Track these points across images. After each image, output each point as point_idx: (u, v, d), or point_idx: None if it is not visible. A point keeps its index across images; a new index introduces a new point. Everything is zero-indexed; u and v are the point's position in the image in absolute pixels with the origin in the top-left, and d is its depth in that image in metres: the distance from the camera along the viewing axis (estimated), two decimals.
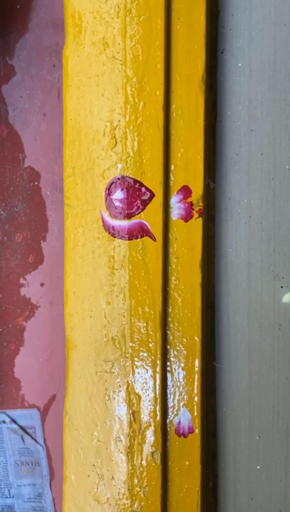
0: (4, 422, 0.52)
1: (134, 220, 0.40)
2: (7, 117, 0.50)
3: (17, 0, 0.48)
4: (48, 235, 0.49)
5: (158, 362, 0.40)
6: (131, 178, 0.40)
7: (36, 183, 0.49)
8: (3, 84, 0.50)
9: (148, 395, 0.40)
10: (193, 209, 0.40)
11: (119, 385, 0.41)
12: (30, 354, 0.51)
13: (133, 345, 0.40)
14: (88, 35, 0.40)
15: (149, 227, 0.40)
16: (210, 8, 0.40)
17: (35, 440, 0.51)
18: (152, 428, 0.40)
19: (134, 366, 0.40)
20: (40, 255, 0.50)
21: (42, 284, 0.50)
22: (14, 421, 0.51)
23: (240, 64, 0.42)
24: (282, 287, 0.42)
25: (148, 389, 0.40)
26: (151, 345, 0.40)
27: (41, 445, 0.51)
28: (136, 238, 0.40)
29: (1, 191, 0.50)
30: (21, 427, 0.51)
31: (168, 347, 0.40)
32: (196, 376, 0.40)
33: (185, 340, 0.40)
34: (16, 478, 0.52)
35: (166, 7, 0.38)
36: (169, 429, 0.40)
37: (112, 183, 0.40)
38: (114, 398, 0.41)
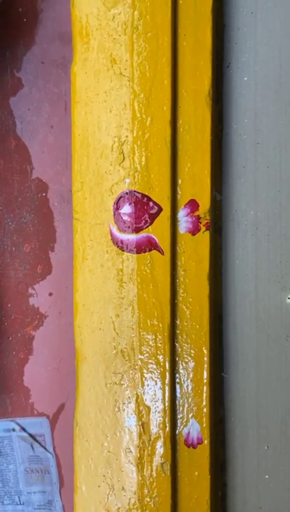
0: (14, 430, 0.52)
1: (143, 234, 0.40)
2: (15, 129, 0.50)
3: (23, 14, 0.49)
4: (56, 246, 0.50)
5: (167, 374, 0.40)
6: (139, 192, 0.40)
7: (44, 194, 0.50)
8: (11, 96, 0.51)
9: (157, 406, 0.40)
10: (200, 223, 0.40)
11: (129, 397, 0.41)
12: (39, 363, 0.51)
13: (142, 357, 0.41)
14: (96, 52, 0.40)
15: (157, 240, 0.40)
16: (216, 23, 0.41)
17: (45, 448, 0.52)
18: (161, 439, 0.40)
19: (143, 378, 0.41)
20: (49, 265, 0.51)
21: (50, 294, 0.51)
22: (23, 429, 0.52)
23: (245, 78, 0.42)
24: (289, 298, 0.42)
25: (157, 401, 0.40)
26: (159, 357, 0.40)
27: (50, 453, 0.51)
28: (145, 251, 0.40)
29: (9, 202, 0.50)
30: (30, 435, 0.52)
31: (177, 359, 0.41)
32: (205, 388, 0.40)
33: (193, 352, 0.40)
34: (26, 486, 0.52)
35: (172, 24, 0.39)
36: (178, 440, 0.41)
37: (121, 197, 0.40)
38: (124, 409, 0.41)
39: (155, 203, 0.40)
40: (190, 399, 0.41)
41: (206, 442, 0.40)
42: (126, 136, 0.40)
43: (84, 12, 0.41)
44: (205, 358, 0.40)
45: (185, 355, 0.41)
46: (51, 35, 0.49)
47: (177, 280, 0.40)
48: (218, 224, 0.43)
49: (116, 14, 0.40)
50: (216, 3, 0.40)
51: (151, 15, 0.39)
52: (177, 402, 0.41)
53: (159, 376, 0.40)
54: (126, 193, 0.40)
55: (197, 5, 0.39)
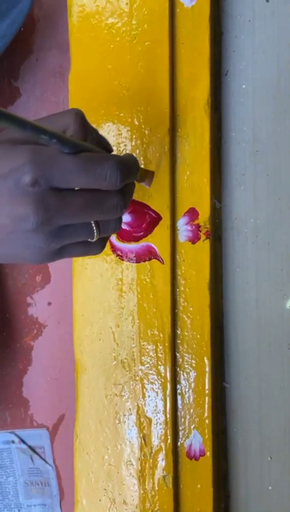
0: (13, 442, 0.52)
1: (142, 243, 0.40)
2: None
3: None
4: None
5: (168, 385, 0.40)
6: (138, 201, 0.40)
7: None
8: (9, 105, 0.51)
9: (159, 418, 0.40)
10: (200, 231, 0.40)
11: (130, 409, 0.41)
12: (38, 373, 0.51)
13: (143, 368, 0.40)
14: (94, 63, 0.40)
15: (157, 249, 0.40)
16: (214, 31, 0.41)
17: (44, 460, 0.51)
18: (163, 451, 0.40)
19: (144, 389, 0.40)
20: (47, 274, 0.50)
21: (49, 303, 0.50)
22: (23, 441, 0.51)
23: (244, 86, 0.42)
24: None
25: (158, 412, 0.40)
26: (160, 367, 0.40)
27: (50, 465, 0.51)
28: (144, 261, 0.40)
29: None
30: (30, 447, 0.51)
31: (178, 369, 0.40)
32: (207, 398, 0.40)
33: (194, 362, 0.40)
34: (26, 498, 0.52)
35: (170, 33, 0.39)
36: (180, 452, 0.40)
37: None
38: (125, 421, 0.41)
39: (154, 211, 0.40)
40: (191, 410, 0.40)
41: (208, 454, 0.40)
42: (125, 145, 0.40)
43: (81, 21, 0.41)
44: (207, 368, 0.40)
45: (186, 365, 0.40)
46: (48, 44, 0.49)
47: (177, 289, 0.40)
48: (218, 232, 0.43)
49: (114, 23, 0.40)
50: (214, 11, 0.40)
51: (148, 24, 0.39)
52: (179, 413, 0.40)
53: (160, 387, 0.40)
54: None
55: (194, 13, 0.39)
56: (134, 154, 0.38)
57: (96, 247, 0.31)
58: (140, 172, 0.35)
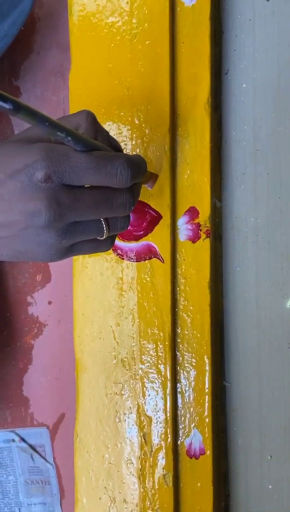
0: (13, 441, 0.52)
1: (143, 242, 0.40)
2: None
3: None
4: None
5: (168, 383, 0.40)
6: (139, 200, 0.40)
7: None
8: None
9: (159, 417, 0.40)
10: (201, 230, 0.40)
11: (130, 407, 0.41)
12: (38, 372, 0.51)
13: (143, 366, 0.40)
14: (94, 62, 0.40)
15: (157, 248, 0.40)
16: (214, 30, 0.41)
17: (45, 459, 0.51)
18: (163, 450, 0.40)
19: (144, 388, 0.40)
20: (48, 273, 0.50)
21: (50, 303, 0.50)
22: (23, 439, 0.51)
23: (244, 85, 0.42)
24: None
25: (158, 411, 0.40)
26: (160, 366, 0.40)
27: (50, 464, 0.51)
28: (145, 259, 0.40)
29: None
30: (30, 446, 0.51)
31: (178, 368, 0.40)
32: (207, 397, 0.40)
33: (194, 361, 0.40)
34: (27, 497, 0.52)
35: (170, 32, 0.39)
36: (180, 451, 0.40)
37: None
38: (125, 420, 0.41)
39: (154, 210, 0.40)
40: (191, 409, 0.40)
41: (208, 452, 0.40)
42: (126, 144, 0.40)
43: (81, 20, 0.41)
44: (207, 367, 0.40)
45: (186, 364, 0.40)
46: (49, 44, 0.49)
47: (178, 288, 0.40)
48: (218, 232, 0.43)
49: (114, 22, 0.40)
50: (214, 10, 0.40)
51: (149, 22, 0.39)
52: (179, 412, 0.40)
53: (160, 386, 0.40)
54: None
55: (194, 12, 0.39)
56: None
57: (106, 244, 0.31)
58: (146, 174, 0.36)
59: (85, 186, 0.28)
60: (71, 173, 0.27)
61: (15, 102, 0.23)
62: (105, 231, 0.30)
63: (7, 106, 0.23)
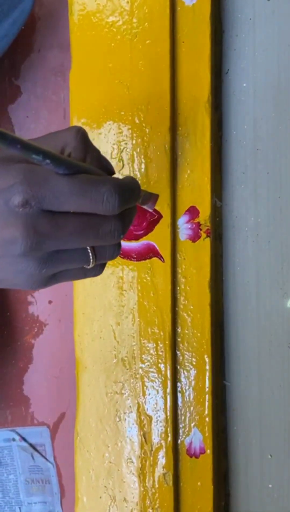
0: (14, 440, 0.52)
1: (143, 242, 0.40)
2: None
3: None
4: None
5: (168, 383, 0.40)
6: None
7: None
8: (9, 104, 0.51)
9: (159, 416, 0.40)
10: (201, 229, 0.40)
11: (130, 406, 0.41)
12: (39, 371, 0.51)
13: (143, 366, 0.40)
14: (95, 61, 0.40)
15: (157, 248, 0.40)
16: (214, 29, 0.41)
17: (45, 458, 0.51)
18: (163, 449, 0.40)
19: (144, 387, 0.41)
20: None
21: (50, 302, 0.50)
22: (24, 439, 0.51)
23: (244, 84, 0.42)
24: None
25: (158, 410, 0.40)
26: (161, 366, 0.40)
27: (51, 463, 0.51)
28: (145, 259, 0.40)
29: None
30: (31, 445, 0.51)
31: (178, 367, 0.40)
32: (207, 396, 0.40)
33: (194, 360, 0.40)
34: (27, 496, 0.52)
35: (170, 31, 0.39)
36: (180, 450, 0.40)
37: None
38: (125, 419, 0.41)
39: (155, 210, 0.40)
40: (192, 408, 0.40)
41: (208, 451, 0.40)
42: (126, 144, 0.40)
43: (82, 19, 0.41)
44: (207, 366, 0.40)
45: (187, 364, 0.40)
46: (49, 43, 0.49)
47: (178, 288, 0.40)
48: (218, 231, 0.43)
49: (115, 21, 0.40)
50: (214, 10, 0.40)
51: (149, 22, 0.39)
52: (179, 411, 0.40)
53: (160, 385, 0.40)
54: None
55: (195, 12, 0.39)
56: (136, 179, 0.34)
57: (94, 271, 0.29)
58: (145, 195, 0.33)
59: (70, 211, 0.26)
60: (52, 198, 0.24)
61: None
62: (91, 260, 0.27)
63: None
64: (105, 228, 0.27)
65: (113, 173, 0.31)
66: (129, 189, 0.27)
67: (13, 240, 0.25)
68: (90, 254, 0.27)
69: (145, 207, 0.34)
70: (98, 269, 0.29)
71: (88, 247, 0.27)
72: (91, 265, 0.28)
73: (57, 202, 0.25)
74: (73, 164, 0.25)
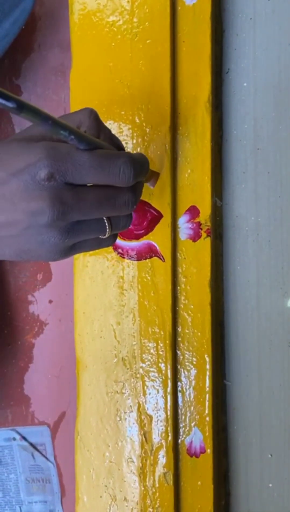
0: (14, 439, 0.52)
1: (143, 241, 0.40)
2: None
3: None
4: None
5: (169, 382, 0.40)
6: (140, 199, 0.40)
7: None
8: None
9: (159, 415, 0.40)
10: (201, 229, 0.40)
11: (131, 406, 0.41)
12: (39, 371, 0.51)
13: (144, 365, 0.41)
14: (95, 61, 0.40)
15: (158, 247, 0.40)
16: (215, 29, 0.41)
17: (46, 457, 0.51)
18: (164, 449, 0.40)
19: (145, 387, 0.41)
20: (49, 272, 0.50)
21: (50, 301, 0.50)
22: (24, 438, 0.51)
23: (245, 84, 0.42)
24: None
25: (159, 410, 0.40)
26: (161, 365, 0.40)
27: (51, 462, 0.51)
28: (145, 258, 0.40)
29: None
30: (31, 444, 0.51)
31: (178, 367, 0.41)
32: (207, 396, 0.40)
33: (195, 359, 0.40)
34: (27, 495, 0.52)
35: (171, 30, 0.39)
36: (180, 449, 0.40)
37: None
38: (126, 419, 0.41)
39: (155, 209, 0.40)
40: (192, 408, 0.40)
41: (209, 451, 0.40)
42: (126, 143, 0.40)
43: (82, 19, 0.41)
44: (207, 366, 0.40)
45: (187, 363, 0.40)
46: (50, 43, 0.49)
47: (178, 287, 0.40)
48: (218, 230, 0.43)
49: (115, 21, 0.40)
50: (215, 9, 0.40)
51: (149, 21, 0.39)
52: (179, 410, 0.41)
53: (161, 385, 0.40)
54: None
55: (195, 11, 0.39)
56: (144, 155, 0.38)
57: (108, 242, 0.32)
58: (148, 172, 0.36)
59: (88, 185, 0.28)
60: (74, 172, 0.27)
61: (18, 101, 0.23)
62: (108, 230, 0.30)
63: (10, 105, 0.23)
64: (121, 199, 0.29)
65: (124, 149, 0.33)
66: (141, 163, 0.30)
67: (41, 211, 0.27)
68: (106, 224, 0.30)
69: (148, 184, 0.38)
70: (111, 240, 0.32)
71: (104, 218, 0.30)
72: (107, 235, 0.30)
73: (79, 175, 0.27)
74: (93, 140, 0.28)
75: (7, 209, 0.27)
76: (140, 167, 0.29)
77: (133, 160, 0.28)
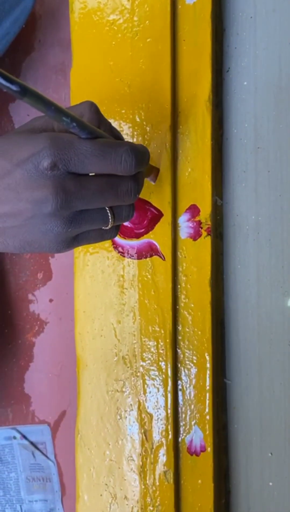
0: (14, 438, 0.52)
1: (144, 240, 0.40)
2: None
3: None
4: None
5: (169, 381, 0.40)
6: (140, 198, 0.40)
7: None
8: (10, 102, 0.51)
9: (160, 414, 0.40)
10: (201, 228, 0.40)
11: (131, 404, 0.41)
12: (40, 370, 0.51)
13: (144, 364, 0.41)
14: (95, 59, 0.40)
15: (158, 246, 0.40)
16: (215, 28, 0.41)
17: (46, 456, 0.51)
18: (164, 447, 0.40)
19: (145, 385, 0.41)
20: (49, 271, 0.50)
21: (51, 300, 0.50)
22: (24, 437, 0.51)
23: (245, 83, 0.42)
24: None
25: (159, 408, 0.40)
26: (161, 364, 0.40)
27: (52, 461, 0.51)
28: (146, 257, 0.40)
29: None
30: (31, 443, 0.51)
31: (179, 365, 0.41)
32: (207, 395, 0.40)
33: (195, 358, 0.40)
34: (28, 494, 0.52)
35: (171, 29, 0.39)
36: (181, 448, 0.41)
37: None
38: (126, 417, 0.41)
39: (155, 208, 0.40)
40: (192, 406, 0.40)
41: (209, 449, 0.40)
42: None
43: (83, 17, 0.41)
44: (207, 365, 0.40)
45: (187, 362, 0.40)
46: (50, 41, 0.49)
47: (179, 286, 0.40)
48: (219, 229, 0.43)
49: (116, 19, 0.40)
50: (215, 8, 0.40)
51: (150, 20, 0.39)
52: (180, 409, 0.41)
53: (161, 383, 0.40)
54: None
55: (196, 10, 0.39)
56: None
57: (111, 233, 0.32)
58: (147, 167, 0.36)
59: (90, 174, 0.29)
60: (76, 161, 0.27)
61: (22, 85, 0.23)
62: (110, 220, 0.30)
63: (14, 88, 0.23)
64: (123, 187, 0.29)
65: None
66: (142, 152, 0.30)
67: (45, 199, 0.27)
68: (109, 214, 0.30)
69: (148, 179, 0.38)
70: (114, 231, 0.32)
71: (107, 208, 0.30)
72: (109, 226, 0.30)
73: (82, 164, 0.27)
74: (94, 129, 0.28)
75: (11, 199, 0.27)
76: (141, 156, 0.29)
77: (134, 148, 0.29)
